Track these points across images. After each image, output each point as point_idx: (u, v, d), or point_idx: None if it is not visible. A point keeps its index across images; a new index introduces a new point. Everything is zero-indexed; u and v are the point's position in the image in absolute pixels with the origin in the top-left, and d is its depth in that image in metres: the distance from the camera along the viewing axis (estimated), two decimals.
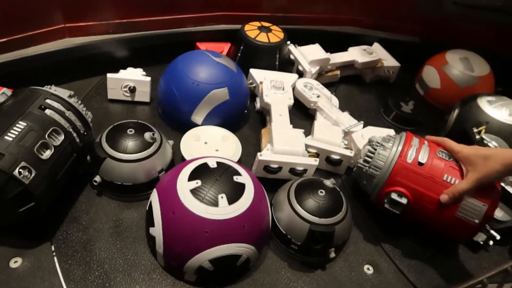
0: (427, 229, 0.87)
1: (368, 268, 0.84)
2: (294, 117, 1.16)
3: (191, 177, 0.75)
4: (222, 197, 0.72)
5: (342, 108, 1.15)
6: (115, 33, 1.23)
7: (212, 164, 0.78)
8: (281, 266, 0.82)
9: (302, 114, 1.18)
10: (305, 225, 0.79)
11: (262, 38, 1.24)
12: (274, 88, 1.09)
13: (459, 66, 1.35)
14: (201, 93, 0.99)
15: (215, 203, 0.71)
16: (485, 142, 1.05)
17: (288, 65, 1.31)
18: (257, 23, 1.30)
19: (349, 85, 1.40)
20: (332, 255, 0.81)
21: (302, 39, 1.35)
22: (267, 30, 1.27)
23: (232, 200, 0.72)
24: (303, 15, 1.48)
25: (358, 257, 0.86)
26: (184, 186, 0.74)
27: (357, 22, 1.54)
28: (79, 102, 0.86)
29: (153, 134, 0.88)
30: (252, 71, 1.17)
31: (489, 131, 1.06)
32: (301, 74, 1.27)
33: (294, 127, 1.03)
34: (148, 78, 1.08)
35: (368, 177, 0.87)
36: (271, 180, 0.93)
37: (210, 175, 0.75)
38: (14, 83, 0.92)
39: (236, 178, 0.76)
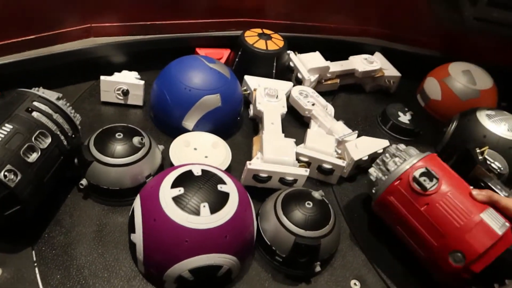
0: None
1: (355, 284, 0.82)
2: (288, 124, 1.15)
3: (175, 184, 0.74)
4: (204, 206, 0.71)
5: (340, 116, 1.14)
6: (138, 34, 1.26)
7: (197, 171, 0.77)
8: (265, 278, 0.80)
9: (297, 122, 1.17)
10: (290, 237, 0.77)
11: (260, 45, 1.23)
12: (267, 95, 1.08)
13: (461, 78, 1.32)
14: (193, 98, 0.98)
15: (196, 212, 0.70)
16: (488, 162, 1.02)
17: (287, 72, 1.30)
18: (259, 30, 1.30)
19: (349, 94, 1.38)
20: (318, 269, 0.79)
21: (304, 47, 1.34)
22: (267, 37, 1.26)
23: (214, 209, 0.71)
24: (307, 23, 1.48)
25: (345, 271, 0.84)
26: (166, 193, 0.72)
27: (366, 32, 1.53)
28: (68, 104, 0.86)
29: (142, 139, 0.87)
30: (247, 78, 1.15)
31: (487, 144, 1.03)
32: (300, 82, 1.25)
33: (288, 135, 1.02)
34: (142, 82, 1.08)
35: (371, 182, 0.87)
36: (260, 189, 0.91)
37: (194, 183, 0.74)
38: (12, 86, 0.91)
39: (220, 187, 0.75)
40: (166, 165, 0.95)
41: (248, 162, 0.88)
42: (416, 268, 0.86)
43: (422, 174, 0.80)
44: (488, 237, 0.71)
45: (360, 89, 1.41)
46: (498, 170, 0.99)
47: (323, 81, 1.32)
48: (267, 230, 0.81)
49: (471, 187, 0.81)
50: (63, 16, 1.14)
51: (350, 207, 0.97)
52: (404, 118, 1.27)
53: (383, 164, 0.88)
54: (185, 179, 0.75)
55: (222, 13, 1.36)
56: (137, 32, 1.28)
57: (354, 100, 1.37)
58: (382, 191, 0.84)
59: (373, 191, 0.88)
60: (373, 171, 0.89)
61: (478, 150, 0.99)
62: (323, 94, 1.31)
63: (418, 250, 0.80)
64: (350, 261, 0.86)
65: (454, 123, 1.17)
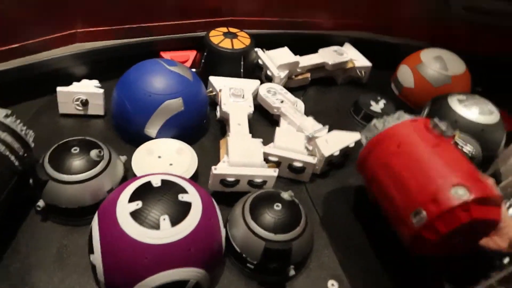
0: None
1: (332, 284, 0.79)
2: (257, 124, 1.12)
3: (132, 198, 0.69)
4: (164, 219, 0.67)
5: (312, 110, 1.11)
6: (125, 38, 1.22)
7: (156, 182, 0.73)
8: (237, 287, 0.76)
9: (267, 121, 1.13)
10: (260, 242, 0.74)
11: (226, 44, 1.19)
12: (233, 96, 1.04)
13: (433, 65, 1.31)
14: (154, 104, 0.94)
15: (156, 226, 0.66)
16: (460, 146, 1.00)
17: (257, 70, 1.27)
18: (224, 29, 1.26)
19: (320, 87, 1.35)
20: (292, 272, 0.75)
21: (272, 43, 1.30)
22: (233, 36, 1.22)
23: (175, 221, 0.67)
24: (273, 19, 1.44)
25: (321, 272, 0.81)
26: (124, 208, 0.68)
27: (335, 24, 1.50)
28: (18, 121, 0.81)
29: (100, 152, 0.83)
30: (212, 79, 1.12)
31: (459, 129, 1.02)
32: (270, 79, 1.22)
33: (257, 134, 0.99)
34: (101, 90, 1.03)
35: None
36: (230, 194, 0.88)
37: (153, 195, 0.70)
38: None
39: (181, 197, 0.71)
40: (130, 176, 0.90)
41: (213, 167, 0.84)
42: (394, 264, 0.84)
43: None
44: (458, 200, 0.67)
45: (331, 81, 1.38)
46: (470, 154, 0.97)
47: (293, 76, 1.29)
48: (236, 237, 0.77)
49: None
50: (46, 24, 1.10)
51: (324, 204, 0.94)
52: (377, 107, 1.24)
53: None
54: (144, 192, 0.71)
55: (188, 14, 1.32)
56: (124, 35, 1.24)
57: (326, 93, 1.34)
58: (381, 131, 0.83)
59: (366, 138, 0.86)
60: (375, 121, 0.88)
61: None
62: (294, 89, 1.29)
63: (395, 200, 0.75)
64: (326, 261, 0.83)
65: (426, 110, 1.15)
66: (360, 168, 0.88)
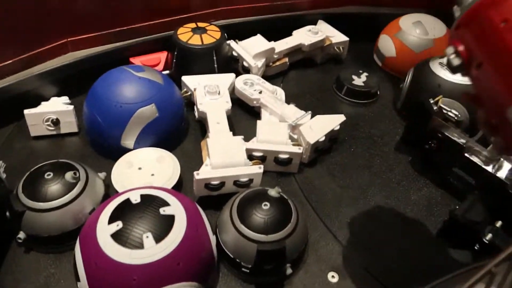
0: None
1: (332, 276, 0.77)
2: (239, 119, 1.08)
3: (112, 219, 0.66)
4: (147, 237, 0.64)
5: (294, 94, 1.09)
6: (117, 41, 1.20)
7: (135, 198, 0.69)
8: None
9: (248, 114, 1.09)
10: (252, 245, 0.71)
11: (195, 40, 1.14)
12: (209, 94, 1.00)
13: (412, 31, 1.28)
14: (126, 114, 0.90)
15: (140, 245, 0.63)
16: (445, 111, 0.97)
17: (232, 63, 1.23)
18: (192, 25, 1.20)
19: (300, 70, 1.31)
20: (289, 271, 0.73)
21: (245, 32, 1.25)
22: (202, 31, 1.17)
23: (159, 237, 0.64)
24: (240, 6, 1.39)
25: (320, 265, 0.78)
26: (104, 231, 0.65)
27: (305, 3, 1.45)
28: None
29: (75, 173, 0.79)
30: (184, 78, 1.07)
31: (442, 93, 0.99)
32: (248, 71, 1.18)
33: (239, 129, 0.95)
34: (71, 107, 0.98)
35: None
36: (217, 197, 0.84)
37: (133, 212, 0.67)
38: None
39: (163, 211, 0.68)
40: (112, 192, 0.87)
41: (195, 173, 0.81)
42: (394, 250, 0.81)
43: None
44: None
45: (311, 62, 1.34)
46: (456, 118, 0.94)
47: (271, 64, 1.24)
48: (227, 242, 0.74)
49: None
50: (37, 35, 1.08)
51: (316, 194, 0.91)
52: (359, 80, 1.21)
53: None
54: (123, 210, 0.68)
55: (154, 15, 1.27)
56: (116, 39, 1.21)
57: (307, 75, 1.30)
58: None
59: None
60: None
61: (432, 101, 0.95)
62: (274, 76, 1.26)
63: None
64: (324, 253, 0.80)
65: (409, 77, 1.12)
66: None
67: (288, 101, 1.05)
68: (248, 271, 0.73)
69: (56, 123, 0.98)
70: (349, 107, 1.19)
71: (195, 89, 1.02)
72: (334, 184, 0.94)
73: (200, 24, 1.21)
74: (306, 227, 0.80)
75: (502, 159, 0.82)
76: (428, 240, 0.84)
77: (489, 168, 0.82)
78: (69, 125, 1.00)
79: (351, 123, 1.10)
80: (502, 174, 0.81)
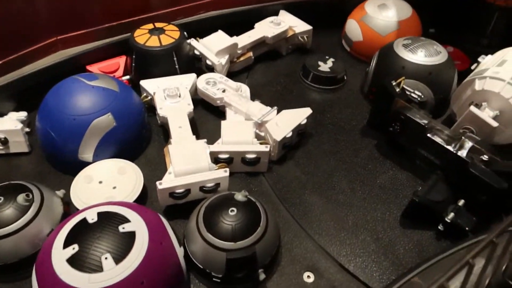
0: None
1: (308, 276, 0.75)
2: (205, 119, 1.05)
3: (67, 242, 0.62)
4: (106, 258, 0.60)
5: (262, 88, 1.07)
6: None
7: (92, 218, 0.65)
8: None
9: (213, 114, 1.05)
10: (221, 254, 0.68)
11: (153, 42, 1.09)
12: (169, 97, 0.96)
13: (378, 14, 1.27)
14: (81, 127, 0.85)
15: (98, 268, 0.59)
16: (408, 93, 0.96)
17: (196, 63, 1.18)
18: (150, 26, 1.15)
19: (266, 63, 1.28)
20: (262, 276, 0.70)
21: (205, 30, 1.21)
22: (160, 32, 1.12)
23: (119, 257, 0.60)
24: (198, 2, 1.34)
25: (295, 266, 0.76)
26: (59, 256, 0.61)
27: None
28: None
29: (28, 195, 0.74)
30: (143, 82, 1.02)
31: (406, 75, 0.98)
32: (212, 69, 1.14)
33: (205, 131, 0.91)
34: (19, 126, 0.92)
35: None
36: (185, 205, 0.81)
37: (90, 233, 0.63)
38: None
39: (122, 228, 0.64)
40: (73, 210, 0.82)
41: (158, 182, 0.77)
42: (368, 245, 0.79)
43: None
44: None
45: (277, 54, 1.31)
46: (419, 99, 0.93)
47: (235, 59, 1.21)
48: (195, 252, 0.71)
49: None
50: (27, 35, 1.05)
51: (288, 192, 0.89)
52: (325, 66, 1.19)
53: None
54: (79, 232, 0.63)
55: (110, 17, 1.22)
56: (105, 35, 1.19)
57: (273, 66, 1.27)
58: None
59: None
60: None
61: (394, 83, 0.93)
62: (239, 72, 1.22)
63: None
64: (299, 253, 0.78)
65: (374, 61, 1.11)
66: None
67: (255, 93, 1.02)
68: (219, 280, 0.70)
69: (4, 142, 0.92)
70: (317, 94, 1.17)
71: (154, 93, 0.98)
72: (304, 180, 0.91)
73: (158, 25, 1.16)
74: (277, 229, 0.77)
75: (463, 138, 0.81)
76: (396, 224, 0.83)
77: (451, 148, 0.82)
78: (19, 144, 0.94)
79: (319, 109, 1.08)
80: (463, 153, 0.80)
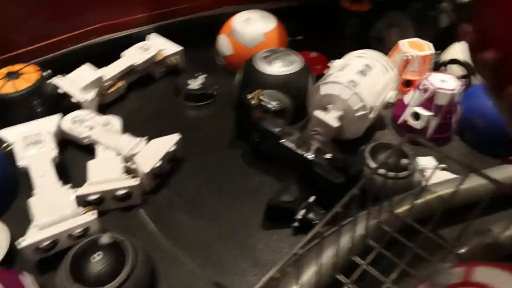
0: None
1: None
2: (76, 160, 1.02)
3: None
4: None
5: (136, 117, 1.10)
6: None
7: None
8: None
9: (85, 153, 1.02)
10: None
11: (7, 89, 1.04)
12: (31, 145, 0.93)
13: (244, 28, 1.33)
14: None
15: None
16: (264, 103, 1.02)
17: (63, 101, 1.14)
18: (5, 70, 1.09)
19: (139, 89, 1.28)
20: None
21: (75, 62, 1.18)
22: (15, 76, 1.07)
23: None
24: (64, 36, 1.29)
25: None
26: None
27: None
28: None
29: None
30: (3, 132, 0.98)
31: (265, 85, 1.05)
32: (79, 106, 1.11)
33: (77, 173, 0.90)
34: None
35: None
36: (62, 253, 0.79)
37: None
38: None
39: None
40: None
41: (19, 241, 0.75)
42: (243, 253, 0.85)
43: None
44: None
45: (150, 78, 1.32)
46: (273, 108, 1.00)
47: (105, 92, 1.19)
48: None
49: None
50: None
51: (164, 219, 0.91)
52: (195, 84, 1.24)
53: None
54: None
55: None
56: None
57: (147, 91, 1.29)
58: None
59: None
60: None
61: (249, 96, 1.00)
62: (113, 102, 1.21)
63: None
64: (175, 283, 0.80)
65: (238, 76, 1.17)
66: None
67: (128, 122, 1.02)
68: None
69: None
70: (190, 111, 1.22)
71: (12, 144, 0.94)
72: (183, 205, 0.94)
73: (14, 68, 1.10)
74: (149, 264, 0.78)
75: (311, 142, 0.90)
76: (257, 228, 0.89)
77: (300, 151, 0.91)
78: None
79: (192, 127, 1.13)
80: (309, 154, 0.90)
